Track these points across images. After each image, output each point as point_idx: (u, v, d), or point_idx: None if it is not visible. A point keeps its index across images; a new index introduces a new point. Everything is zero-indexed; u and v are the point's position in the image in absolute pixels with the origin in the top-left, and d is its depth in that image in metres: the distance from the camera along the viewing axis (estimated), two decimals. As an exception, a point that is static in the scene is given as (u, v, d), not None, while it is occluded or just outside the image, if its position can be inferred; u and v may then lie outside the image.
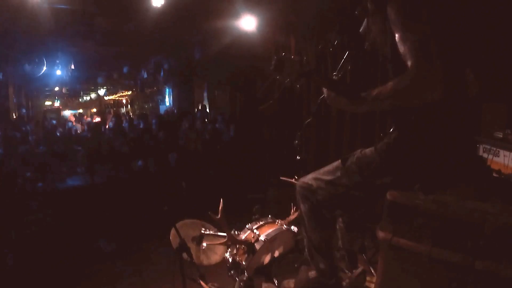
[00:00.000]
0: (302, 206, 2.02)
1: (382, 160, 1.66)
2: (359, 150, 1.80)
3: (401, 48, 1.43)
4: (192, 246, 2.62)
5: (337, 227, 2.32)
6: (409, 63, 1.40)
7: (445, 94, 1.43)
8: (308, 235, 2.04)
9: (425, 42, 1.40)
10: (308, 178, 1.98)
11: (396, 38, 1.45)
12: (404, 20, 1.45)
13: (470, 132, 1.68)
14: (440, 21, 1.50)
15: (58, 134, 8.82)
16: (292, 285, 2.28)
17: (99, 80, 13.69)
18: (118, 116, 10.67)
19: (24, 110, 11.35)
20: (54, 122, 10.79)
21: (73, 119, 12.30)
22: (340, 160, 1.85)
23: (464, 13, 1.58)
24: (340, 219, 2.28)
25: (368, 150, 1.75)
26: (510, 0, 2.97)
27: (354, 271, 2.32)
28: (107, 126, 9.48)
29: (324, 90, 1.79)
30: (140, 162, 5.98)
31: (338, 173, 1.82)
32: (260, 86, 6.90)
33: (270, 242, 2.70)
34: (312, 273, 2.10)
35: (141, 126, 8.68)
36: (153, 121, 8.83)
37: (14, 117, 10.55)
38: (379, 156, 1.67)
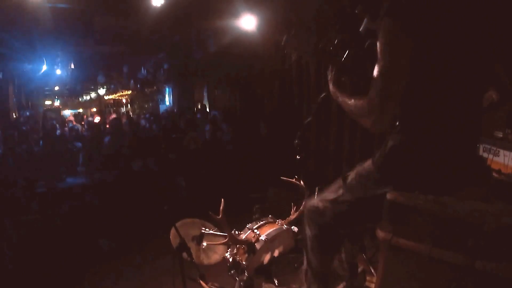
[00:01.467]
0: (308, 230, 2.00)
1: (380, 172, 1.66)
2: (358, 165, 1.82)
3: (374, 73, 1.48)
4: (192, 245, 2.62)
5: None
6: (369, 92, 1.48)
7: (431, 110, 1.52)
8: (309, 258, 2.02)
9: (391, 82, 1.45)
10: (314, 201, 2.00)
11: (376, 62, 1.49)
12: (387, 47, 1.46)
13: (471, 134, 1.67)
14: (441, 34, 1.48)
15: (57, 133, 8.81)
16: None
17: (99, 79, 13.68)
18: (118, 116, 10.67)
19: (24, 110, 11.34)
20: (54, 122, 10.79)
21: (72, 119, 12.29)
22: (341, 178, 1.86)
23: (462, 14, 1.56)
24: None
25: (366, 164, 1.76)
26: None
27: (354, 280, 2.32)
28: (107, 126, 9.48)
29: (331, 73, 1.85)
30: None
31: (341, 191, 1.83)
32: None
33: (271, 241, 2.70)
34: None
35: (147, 126, 8.69)
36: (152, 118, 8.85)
37: (14, 116, 10.54)
38: (377, 169, 1.68)
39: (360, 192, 1.74)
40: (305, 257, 2.06)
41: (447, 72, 1.51)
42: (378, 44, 1.48)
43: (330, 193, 1.90)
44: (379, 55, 1.47)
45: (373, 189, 1.67)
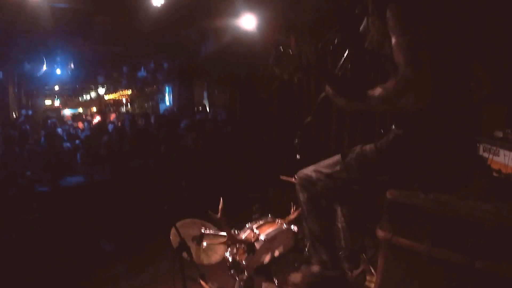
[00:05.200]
0: (301, 195, 2.07)
1: (382, 158, 1.67)
2: (359, 146, 1.82)
3: (395, 53, 1.44)
4: (192, 245, 2.62)
5: (339, 226, 2.32)
6: (399, 70, 1.41)
7: (432, 104, 1.42)
8: (309, 226, 2.07)
9: (417, 51, 1.39)
10: (308, 170, 2.03)
11: (392, 43, 1.46)
12: (401, 25, 1.44)
13: (470, 132, 1.68)
14: (441, 24, 1.49)
15: (58, 133, 8.80)
16: (298, 278, 2.28)
17: (99, 79, 13.67)
18: (118, 115, 10.67)
19: (24, 110, 11.34)
20: (54, 121, 10.78)
21: (69, 118, 12.30)
22: (340, 155, 1.87)
23: (466, 12, 1.58)
24: (342, 219, 2.28)
25: (368, 147, 1.76)
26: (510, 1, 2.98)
27: (355, 271, 2.32)
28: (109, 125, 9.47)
29: (326, 86, 1.82)
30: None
31: (338, 167, 1.84)
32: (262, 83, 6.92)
33: (270, 241, 2.70)
34: (315, 267, 2.11)
35: (143, 123, 8.69)
36: (153, 119, 8.85)
37: (14, 116, 10.53)
38: (378, 154, 1.68)
39: (357, 173, 1.76)
40: (306, 228, 2.10)
41: (449, 65, 1.52)
42: (391, 31, 1.46)
43: (326, 167, 1.92)
44: (396, 41, 1.44)
45: (372, 174, 1.69)
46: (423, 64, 1.38)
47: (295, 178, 2.92)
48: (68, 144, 7.38)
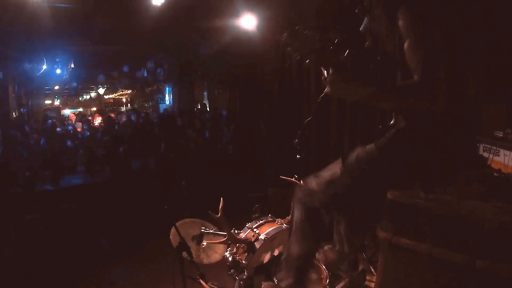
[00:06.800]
0: (296, 212, 1.97)
1: (382, 155, 1.65)
2: (359, 148, 1.79)
3: (410, 55, 1.44)
4: (192, 245, 2.62)
5: (341, 231, 2.28)
6: (415, 74, 1.42)
7: (446, 107, 1.44)
8: (288, 246, 1.99)
9: (434, 56, 1.41)
10: (309, 182, 1.94)
11: (406, 44, 1.45)
12: (418, 27, 1.44)
13: (470, 131, 1.67)
14: (453, 28, 1.49)
15: (58, 133, 8.79)
16: None
17: (99, 78, 13.66)
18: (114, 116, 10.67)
19: (24, 109, 11.32)
20: (54, 120, 10.77)
21: (73, 118, 12.27)
22: (340, 158, 1.83)
23: (467, 16, 1.58)
24: (343, 224, 2.25)
25: (368, 147, 1.74)
26: (510, 2, 2.98)
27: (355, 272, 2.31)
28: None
29: (328, 73, 1.76)
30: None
31: (338, 171, 1.80)
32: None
33: (270, 241, 2.70)
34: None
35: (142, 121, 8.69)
36: (154, 120, 8.84)
37: (14, 116, 10.52)
38: (379, 152, 1.67)
39: (359, 174, 1.72)
40: (288, 246, 2.03)
41: (455, 67, 1.52)
42: (406, 32, 1.46)
43: (326, 173, 1.86)
44: (413, 43, 1.44)
45: (373, 173, 1.66)
46: (440, 71, 1.40)
47: (295, 178, 2.93)
48: (68, 144, 7.37)
